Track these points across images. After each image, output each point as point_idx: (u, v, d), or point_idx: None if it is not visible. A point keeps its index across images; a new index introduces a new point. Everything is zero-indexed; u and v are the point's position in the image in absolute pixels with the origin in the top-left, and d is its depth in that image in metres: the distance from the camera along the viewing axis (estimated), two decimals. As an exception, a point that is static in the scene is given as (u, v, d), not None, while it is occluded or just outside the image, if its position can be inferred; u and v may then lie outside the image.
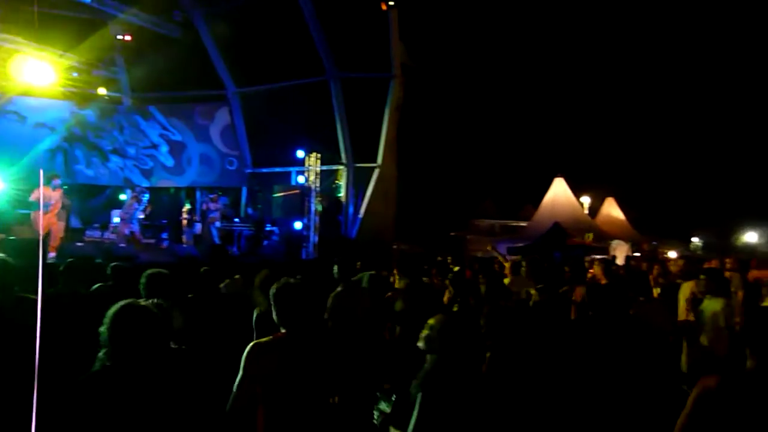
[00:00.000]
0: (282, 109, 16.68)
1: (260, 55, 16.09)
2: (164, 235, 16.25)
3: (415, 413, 2.56)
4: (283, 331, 2.81)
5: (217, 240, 15.45)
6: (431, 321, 2.73)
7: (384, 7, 14.96)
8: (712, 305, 5.06)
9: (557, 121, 63.06)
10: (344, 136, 16.77)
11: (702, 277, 5.37)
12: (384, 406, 2.97)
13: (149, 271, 4.22)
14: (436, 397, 2.56)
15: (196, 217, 16.51)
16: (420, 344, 2.75)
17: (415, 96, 19.54)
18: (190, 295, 4.81)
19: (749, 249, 35.55)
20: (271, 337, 2.79)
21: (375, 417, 2.92)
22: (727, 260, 8.34)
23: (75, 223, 15.67)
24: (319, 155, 16.17)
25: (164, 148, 17.66)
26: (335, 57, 16.05)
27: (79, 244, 13.42)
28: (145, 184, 16.81)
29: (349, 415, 3.15)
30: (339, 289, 5.22)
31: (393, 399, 2.96)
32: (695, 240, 41.72)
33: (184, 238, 15.98)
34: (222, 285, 5.85)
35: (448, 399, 2.55)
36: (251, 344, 2.74)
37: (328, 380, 2.86)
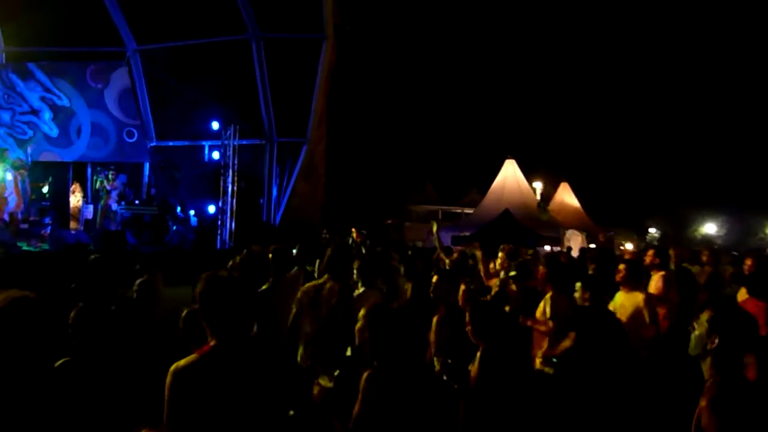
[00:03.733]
0: (193, 72, 16.28)
1: (168, 6, 15.58)
2: (47, 220, 15.56)
3: (359, 402, 2.84)
4: (211, 343, 2.58)
5: (113, 225, 15.02)
6: (362, 312, 3.03)
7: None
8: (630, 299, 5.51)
9: (508, 97, 64.49)
10: (267, 106, 16.64)
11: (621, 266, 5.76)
12: (325, 381, 3.15)
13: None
14: (378, 395, 2.83)
15: (87, 198, 15.88)
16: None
17: (348, 63, 19.56)
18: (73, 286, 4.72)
19: (707, 241, 37.88)
20: (195, 354, 2.55)
21: (315, 391, 3.06)
22: (704, 252, 8.95)
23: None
24: (237, 128, 15.88)
25: (47, 115, 16.82)
26: (258, 13, 15.80)
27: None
28: (22, 157, 15.99)
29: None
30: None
31: (336, 375, 3.16)
32: (652, 231, 43.97)
33: (73, 223, 15.43)
34: (138, 281, 5.88)
35: (390, 397, 2.85)
36: (171, 369, 2.48)
37: (270, 394, 2.66)
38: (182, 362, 2.50)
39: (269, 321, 4.85)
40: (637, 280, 5.66)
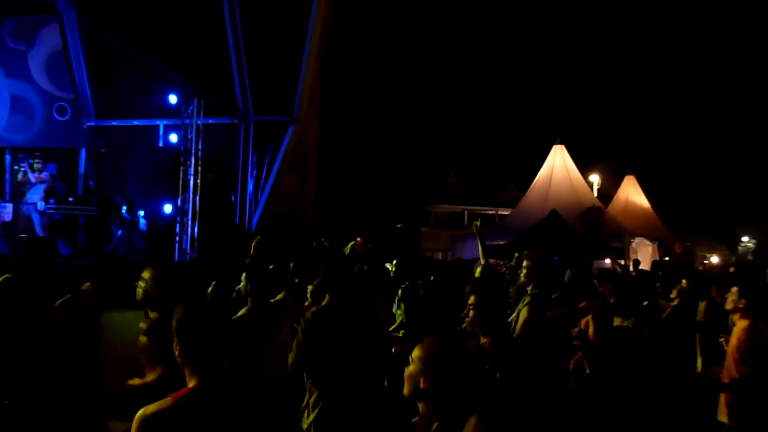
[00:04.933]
0: (145, 30, 16.06)
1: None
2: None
3: None
4: (191, 384, 2.69)
5: (39, 230, 14.97)
6: (416, 352, 2.95)
7: None
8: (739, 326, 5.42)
9: (556, 66, 64.16)
10: (241, 74, 16.42)
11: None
12: None
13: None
14: None
15: (5, 195, 15.87)
16: None
17: (349, 21, 19.33)
18: None
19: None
20: (169, 398, 2.63)
21: None
22: None
23: None
24: (201, 102, 15.61)
25: (-49, 87, 16.75)
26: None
27: None
28: None
29: None
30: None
31: None
32: (745, 239, 43.61)
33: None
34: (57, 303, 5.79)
35: None
36: (140, 414, 2.58)
37: None
38: (152, 408, 2.58)
39: (247, 358, 4.88)
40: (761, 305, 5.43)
